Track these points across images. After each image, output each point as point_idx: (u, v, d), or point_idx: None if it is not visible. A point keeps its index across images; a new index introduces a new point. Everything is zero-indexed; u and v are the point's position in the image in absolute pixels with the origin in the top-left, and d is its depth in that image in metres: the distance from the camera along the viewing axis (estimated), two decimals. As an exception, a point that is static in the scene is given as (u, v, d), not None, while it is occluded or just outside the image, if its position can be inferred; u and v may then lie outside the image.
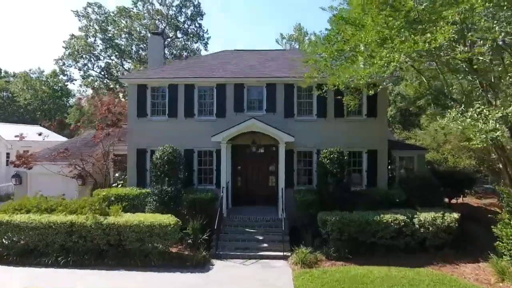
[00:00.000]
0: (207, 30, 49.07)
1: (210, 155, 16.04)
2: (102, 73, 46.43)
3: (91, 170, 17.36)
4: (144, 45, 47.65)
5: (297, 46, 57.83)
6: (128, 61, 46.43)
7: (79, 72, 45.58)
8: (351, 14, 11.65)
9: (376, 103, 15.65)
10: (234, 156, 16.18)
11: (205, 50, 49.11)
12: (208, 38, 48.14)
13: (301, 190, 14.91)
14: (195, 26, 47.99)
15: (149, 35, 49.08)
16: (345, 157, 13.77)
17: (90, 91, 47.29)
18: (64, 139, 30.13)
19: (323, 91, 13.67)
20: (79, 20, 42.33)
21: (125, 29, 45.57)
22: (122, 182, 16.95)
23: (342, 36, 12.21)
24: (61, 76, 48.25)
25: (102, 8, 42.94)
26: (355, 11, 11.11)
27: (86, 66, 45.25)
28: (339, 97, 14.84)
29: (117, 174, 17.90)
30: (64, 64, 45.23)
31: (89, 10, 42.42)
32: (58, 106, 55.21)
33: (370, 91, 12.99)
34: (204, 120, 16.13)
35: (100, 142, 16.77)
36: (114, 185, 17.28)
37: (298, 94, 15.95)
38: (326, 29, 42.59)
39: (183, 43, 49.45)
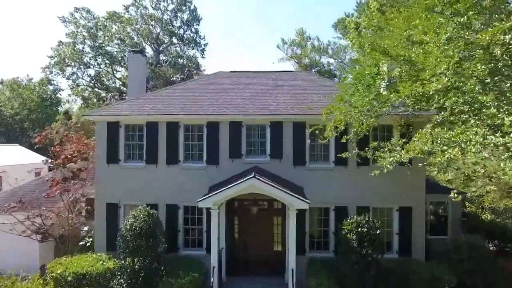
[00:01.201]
0: (204, 36, 45.36)
1: (199, 212, 12.43)
2: (92, 82, 42.78)
3: (56, 222, 13.77)
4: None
5: (299, 52, 54.27)
6: (119, 69, 42.77)
7: (67, 82, 42.07)
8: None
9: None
10: (229, 214, 12.62)
11: (202, 57, 45.49)
12: (205, 45, 44.48)
13: (315, 261, 11.38)
14: (191, 32, 44.31)
15: (142, 42, 46.02)
16: (378, 231, 10.18)
17: (79, 101, 43.70)
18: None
19: (348, 137, 10.08)
20: (66, 26, 38.61)
21: (116, 35, 41.90)
22: (92, 239, 13.44)
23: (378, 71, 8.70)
24: (48, 86, 44.54)
25: (91, 13, 39.24)
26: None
27: (75, 75, 41.62)
28: (363, 137, 11.24)
29: (85, 228, 14.32)
30: (51, 72, 41.64)
31: (77, 15, 38.73)
32: (48, 115, 51.53)
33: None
34: (191, 167, 12.53)
35: (60, 196, 13.12)
36: (81, 243, 13.75)
37: (311, 134, 12.35)
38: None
39: (179, 48, 45.79)
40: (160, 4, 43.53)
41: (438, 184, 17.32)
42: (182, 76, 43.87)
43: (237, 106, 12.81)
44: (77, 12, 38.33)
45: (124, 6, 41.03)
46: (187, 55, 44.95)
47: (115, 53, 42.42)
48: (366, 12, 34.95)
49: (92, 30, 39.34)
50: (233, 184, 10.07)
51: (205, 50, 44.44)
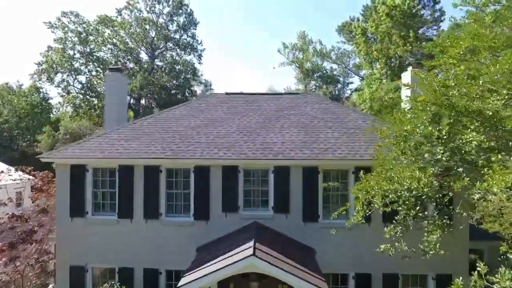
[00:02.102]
0: (201, 41, 42.67)
1: (185, 278, 9.87)
2: (83, 89, 40.09)
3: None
4: (130, 56, 41.44)
5: (301, 56, 51.57)
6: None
7: (56, 89, 39.42)
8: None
9: (453, 199, 9.48)
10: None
11: (199, 63, 42.81)
12: (202, 50, 41.83)
13: None
14: (188, 36, 41.63)
15: (138, 47, 43.25)
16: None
17: (70, 109, 40.97)
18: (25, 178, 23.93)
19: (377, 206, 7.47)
20: (53, 32, 35.87)
21: (109, 40, 39.23)
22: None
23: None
24: (35, 94, 41.83)
25: (80, 18, 36.50)
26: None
27: (65, 82, 38.94)
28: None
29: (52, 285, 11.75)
30: (40, 79, 38.99)
31: (65, 20, 35.98)
32: (39, 123, 48.87)
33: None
34: (175, 223, 9.93)
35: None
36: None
37: (324, 180, 9.75)
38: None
39: (175, 53, 43.12)
40: (155, 7, 40.91)
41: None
42: (177, 83, 41.25)
43: (233, 145, 10.18)
44: (64, 16, 35.59)
45: (117, 9, 38.38)
46: (183, 60, 42.31)
47: (108, 58, 39.79)
48: (374, 17, 32.40)
49: (83, 35, 36.62)
50: (223, 266, 7.45)
51: (202, 56, 41.82)
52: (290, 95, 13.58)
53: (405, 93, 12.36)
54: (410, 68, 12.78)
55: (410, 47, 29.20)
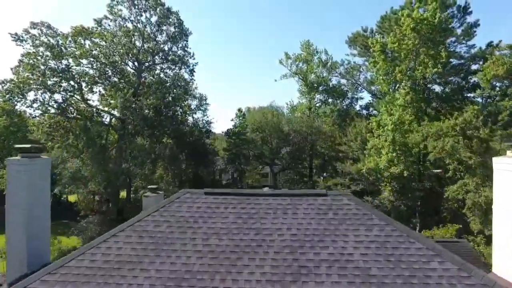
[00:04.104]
0: (193, 54, 37.29)
1: None
2: (60, 109, 34.72)
3: None
4: (113, 71, 36.04)
5: (305, 67, 46.18)
6: (90, 94, 34.66)
7: (29, 110, 34.03)
8: None
9: None
10: None
11: (191, 78, 37.51)
12: (194, 65, 36.55)
13: None
14: (179, 48, 36.31)
15: (122, 60, 37.80)
16: None
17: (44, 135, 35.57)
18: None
19: None
20: (21, 45, 30.42)
21: (88, 53, 33.84)
22: None
23: None
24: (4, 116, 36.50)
25: (52, 29, 31.06)
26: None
27: (38, 102, 33.57)
28: None
29: None
30: (10, 99, 33.62)
31: (35, 32, 30.56)
32: (17, 141, 43.60)
33: None
34: None
35: None
36: None
37: None
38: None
39: (165, 66, 37.84)
40: (142, 15, 35.55)
41: None
42: (166, 100, 35.97)
43: None
44: (34, 28, 30.17)
45: (96, 20, 32.98)
46: (174, 74, 37.04)
47: (89, 72, 34.46)
48: (396, 32, 27.01)
49: (56, 49, 31.21)
50: None
51: (194, 71, 36.56)
52: (305, 196, 8.30)
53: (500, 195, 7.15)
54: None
55: (440, 68, 23.95)
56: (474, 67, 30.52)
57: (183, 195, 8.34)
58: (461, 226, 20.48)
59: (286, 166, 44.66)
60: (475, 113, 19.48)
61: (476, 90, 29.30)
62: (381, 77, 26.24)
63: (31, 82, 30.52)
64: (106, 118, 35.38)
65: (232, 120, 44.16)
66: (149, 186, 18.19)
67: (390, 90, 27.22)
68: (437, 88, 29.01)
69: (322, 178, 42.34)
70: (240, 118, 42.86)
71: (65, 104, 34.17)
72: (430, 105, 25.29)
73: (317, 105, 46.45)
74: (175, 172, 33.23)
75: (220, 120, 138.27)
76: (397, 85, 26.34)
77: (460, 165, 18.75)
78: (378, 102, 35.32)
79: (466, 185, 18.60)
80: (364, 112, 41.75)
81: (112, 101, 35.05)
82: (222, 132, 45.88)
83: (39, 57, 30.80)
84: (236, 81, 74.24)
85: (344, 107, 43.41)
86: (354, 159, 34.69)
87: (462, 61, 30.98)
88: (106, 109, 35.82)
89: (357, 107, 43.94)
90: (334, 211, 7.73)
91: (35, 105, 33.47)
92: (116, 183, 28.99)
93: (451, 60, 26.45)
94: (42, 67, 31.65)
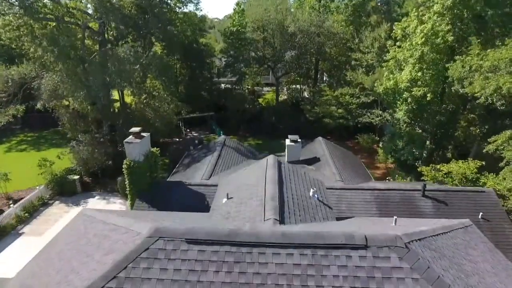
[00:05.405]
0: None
1: None
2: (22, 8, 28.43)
3: None
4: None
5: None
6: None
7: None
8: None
9: None
10: None
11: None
12: None
13: None
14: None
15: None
16: None
17: None
18: None
19: None
20: None
21: None
22: None
23: None
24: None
25: None
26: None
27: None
28: None
29: None
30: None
31: None
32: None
33: None
34: None
35: None
36: None
37: None
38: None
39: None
40: None
41: None
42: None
43: None
44: None
45: None
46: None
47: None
48: None
49: None
50: None
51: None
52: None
53: None
54: None
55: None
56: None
57: (154, 242, 5.65)
58: (484, 163, 18.30)
59: (289, 70, 40.37)
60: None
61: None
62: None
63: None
64: (80, 21, 29.65)
65: (230, 17, 37.75)
66: (132, 130, 15.32)
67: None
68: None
69: (326, 84, 38.61)
70: (239, 14, 36.42)
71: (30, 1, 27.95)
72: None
73: (329, -1, 39.13)
74: (167, 85, 29.53)
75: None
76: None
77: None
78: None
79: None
80: (384, 7, 35.11)
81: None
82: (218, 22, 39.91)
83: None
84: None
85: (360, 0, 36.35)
86: (368, 69, 30.50)
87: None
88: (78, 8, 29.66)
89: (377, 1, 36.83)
90: (379, 281, 5.19)
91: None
92: (100, 98, 25.71)
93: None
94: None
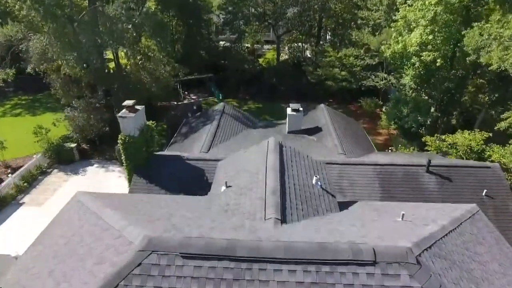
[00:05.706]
0: None
1: None
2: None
3: None
4: None
5: None
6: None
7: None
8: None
9: None
10: None
11: None
12: None
13: None
14: None
15: None
16: None
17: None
18: None
19: None
20: None
21: None
22: None
23: None
24: None
25: None
26: None
27: None
28: None
29: None
30: None
31: None
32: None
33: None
34: None
35: None
36: None
37: None
38: None
39: None
40: None
41: None
42: None
43: None
44: None
45: None
46: None
47: None
48: None
49: None
50: None
51: None
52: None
53: None
54: None
55: None
56: None
57: (147, 256, 5.29)
58: (491, 135, 17.73)
59: (291, 27, 38.23)
60: None
61: None
62: None
63: None
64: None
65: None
66: (125, 103, 14.51)
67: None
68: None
69: (329, 44, 36.76)
70: (237, -34, 33.60)
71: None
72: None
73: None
74: (162, 46, 27.92)
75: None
76: None
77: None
78: None
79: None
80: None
81: None
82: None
83: None
84: None
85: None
86: (375, 28, 28.71)
87: None
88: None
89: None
90: (387, 303, 4.87)
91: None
92: (92, 60, 24.43)
93: None
94: None
